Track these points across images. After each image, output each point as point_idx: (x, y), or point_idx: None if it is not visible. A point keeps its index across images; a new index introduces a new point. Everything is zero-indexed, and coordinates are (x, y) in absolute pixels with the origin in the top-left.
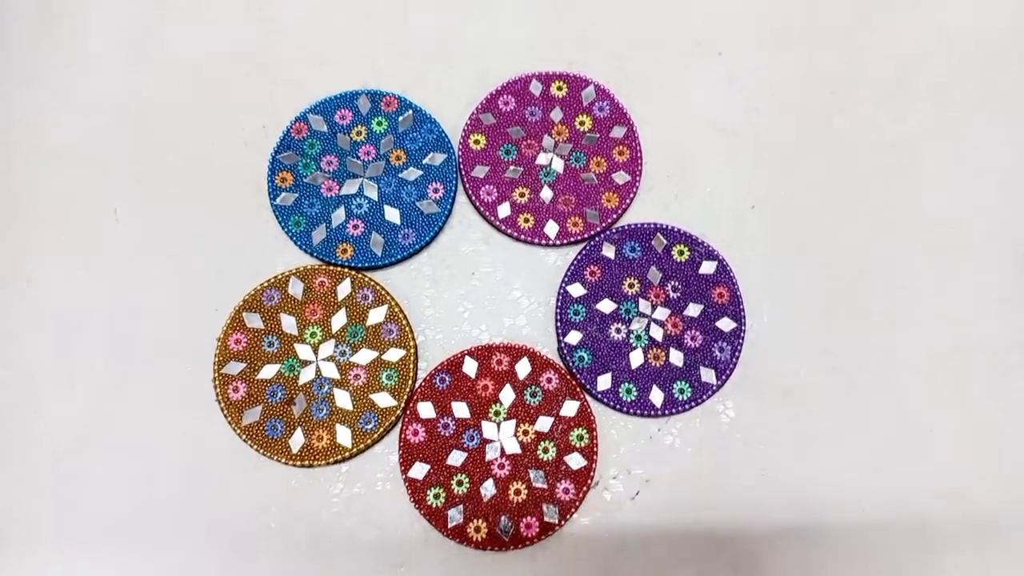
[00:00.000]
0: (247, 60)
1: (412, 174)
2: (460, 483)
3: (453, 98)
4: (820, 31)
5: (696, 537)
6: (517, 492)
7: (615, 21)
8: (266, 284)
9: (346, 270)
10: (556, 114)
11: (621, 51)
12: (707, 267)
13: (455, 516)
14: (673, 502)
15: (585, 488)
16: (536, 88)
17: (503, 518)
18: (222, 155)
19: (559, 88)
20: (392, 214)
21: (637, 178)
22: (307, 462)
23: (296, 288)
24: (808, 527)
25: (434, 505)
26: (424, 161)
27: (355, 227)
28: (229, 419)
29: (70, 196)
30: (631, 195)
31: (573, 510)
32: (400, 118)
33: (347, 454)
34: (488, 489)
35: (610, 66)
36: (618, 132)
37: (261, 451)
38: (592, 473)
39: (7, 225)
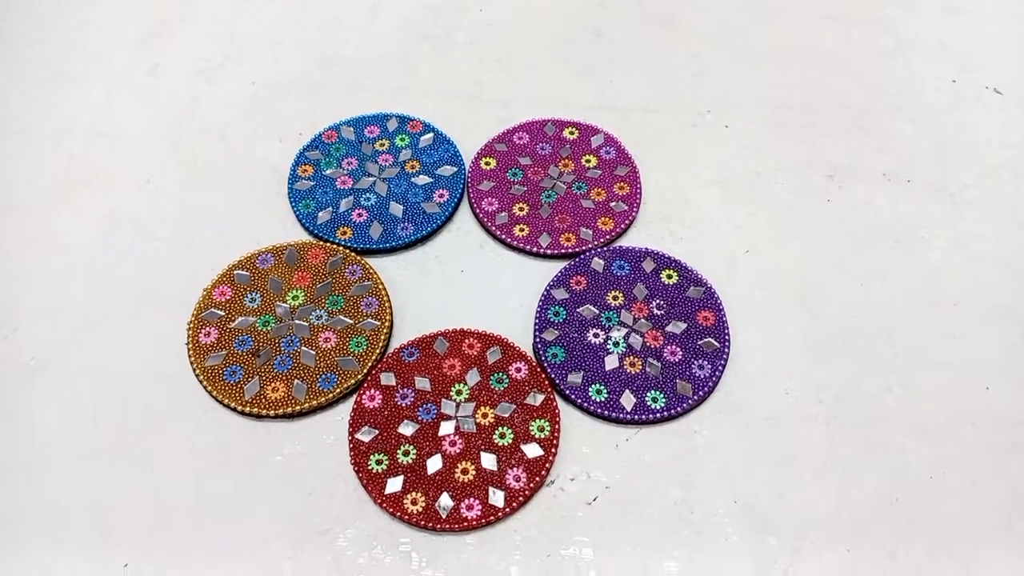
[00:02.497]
0: (301, 83)
1: (422, 180)
2: (406, 453)
3: (472, 135)
4: (822, 120)
5: (655, 554)
6: (464, 471)
7: (632, 87)
8: (263, 250)
9: (341, 248)
10: (565, 151)
11: (633, 112)
12: (694, 291)
13: (394, 484)
14: (634, 515)
15: (538, 479)
16: (550, 130)
17: (444, 495)
18: (256, 147)
19: (571, 132)
20: (396, 209)
21: (635, 209)
22: (256, 410)
23: (291, 257)
24: (782, 563)
25: (375, 471)
26: (436, 172)
27: (359, 215)
28: (192, 361)
29: (116, 165)
30: (627, 222)
31: (521, 499)
32: (422, 138)
33: (299, 407)
34: (434, 463)
35: (621, 123)
36: (621, 171)
37: (214, 393)
38: (548, 466)
39: (56, 185)
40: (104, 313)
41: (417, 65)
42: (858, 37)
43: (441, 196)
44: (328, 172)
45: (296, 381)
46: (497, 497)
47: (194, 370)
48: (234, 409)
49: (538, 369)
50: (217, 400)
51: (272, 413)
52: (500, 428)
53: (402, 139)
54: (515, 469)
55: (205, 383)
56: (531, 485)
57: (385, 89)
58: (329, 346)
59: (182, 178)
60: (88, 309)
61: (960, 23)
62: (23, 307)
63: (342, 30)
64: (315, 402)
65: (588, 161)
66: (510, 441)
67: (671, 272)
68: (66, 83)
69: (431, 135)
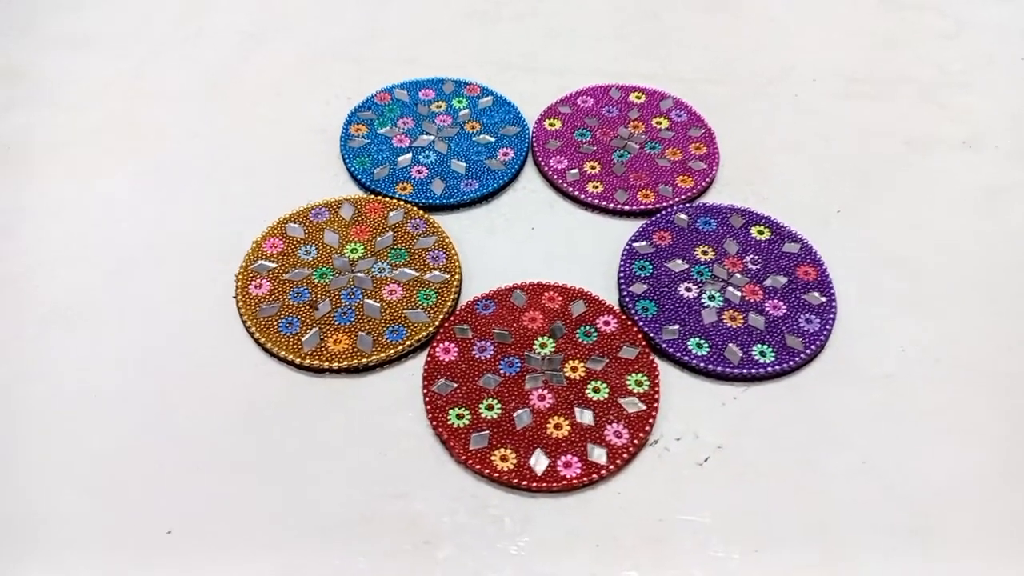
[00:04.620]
0: (347, 53)
1: (484, 139)
2: (490, 408)
3: (531, 102)
4: (890, 94)
5: (778, 517)
6: (558, 427)
7: (691, 61)
8: (317, 204)
9: (402, 203)
10: (633, 113)
11: (696, 83)
12: (791, 247)
13: (479, 440)
14: (751, 475)
15: (642, 435)
16: (615, 94)
17: (538, 451)
18: (302, 109)
19: (638, 97)
20: (458, 166)
21: (714, 168)
22: (317, 363)
23: (347, 211)
24: (916, 527)
25: (456, 425)
26: (498, 131)
27: (419, 172)
28: (242, 312)
29: (168, 122)
30: (707, 180)
31: (626, 456)
32: (480, 100)
33: (365, 360)
34: (523, 418)
35: (685, 93)
36: (695, 132)
37: (268, 345)
38: (651, 421)
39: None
40: (141, 264)
41: (465, 39)
42: (914, 20)
43: (506, 154)
44: (382, 131)
45: (361, 333)
46: (598, 453)
47: (244, 322)
48: (291, 362)
49: (628, 323)
50: (271, 353)
51: (335, 366)
52: (593, 382)
53: (459, 101)
54: (615, 424)
55: (258, 335)
56: (635, 442)
57: (434, 62)
58: (395, 298)
59: (224, 134)
60: (123, 260)
61: (1017, 6)
62: (58, 256)
63: (386, 4)
64: (383, 355)
65: (659, 123)
66: (606, 396)
67: (762, 228)
68: (105, 46)
69: (490, 98)
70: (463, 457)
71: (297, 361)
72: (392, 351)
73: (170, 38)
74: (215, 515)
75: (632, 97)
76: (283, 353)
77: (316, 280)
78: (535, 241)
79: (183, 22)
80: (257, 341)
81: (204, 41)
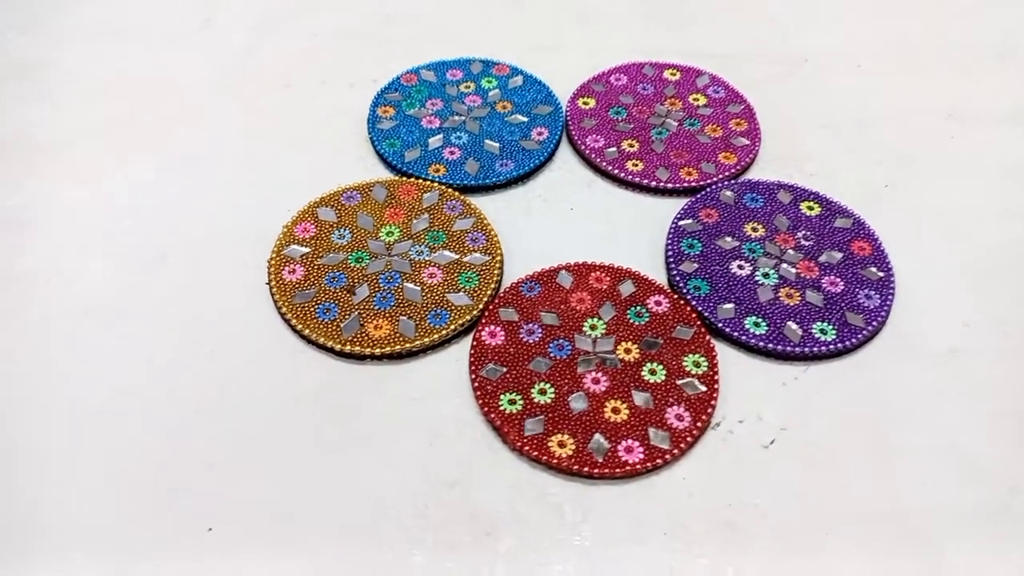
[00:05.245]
0: (367, 35)
1: (517, 119)
2: (543, 392)
3: (561, 81)
4: (925, 67)
5: (849, 500)
6: (615, 411)
7: (722, 39)
8: (348, 187)
9: (436, 184)
10: (669, 91)
11: (729, 60)
12: (843, 222)
13: (535, 425)
14: (819, 457)
15: (705, 418)
16: (649, 71)
17: (597, 436)
18: (324, 93)
19: (672, 74)
20: (492, 146)
21: (757, 144)
22: (358, 349)
23: (379, 193)
24: (993, 508)
25: (508, 411)
26: (531, 111)
27: (451, 153)
28: (277, 300)
29: (189, 111)
30: (751, 156)
31: (690, 439)
32: (510, 80)
33: (408, 345)
34: (578, 402)
35: (719, 70)
36: (734, 108)
37: (306, 332)
38: (713, 403)
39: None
40: (164, 254)
41: (491, 19)
42: None
43: (540, 134)
44: (411, 112)
45: (402, 318)
46: (661, 438)
47: (279, 309)
48: (330, 350)
49: (681, 302)
50: (308, 340)
51: (377, 352)
52: (649, 364)
53: (488, 81)
54: (675, 407)
55: (294, 322)
56: (697, 425)
57: (458, 42)
58: (435, 281)
59: (243, 123)
60: (146, 250)
61: None
62: (86, 251)
63: None
64: (427, 339)
65: (696, 100)
66: (663, 378)
67: (811, 204)
68: (118, 38)
69: (520, 77)
70: (518, 444)
71: (337, 348)
72: (436, 335)
73: (183, 25)
74: (258, 511)
75: (666, 74)
76: (322, 340)
77: (352, 264)
78: (575, 221)
79: (195, 9)
80: (294, 328)
81: (218, 26)
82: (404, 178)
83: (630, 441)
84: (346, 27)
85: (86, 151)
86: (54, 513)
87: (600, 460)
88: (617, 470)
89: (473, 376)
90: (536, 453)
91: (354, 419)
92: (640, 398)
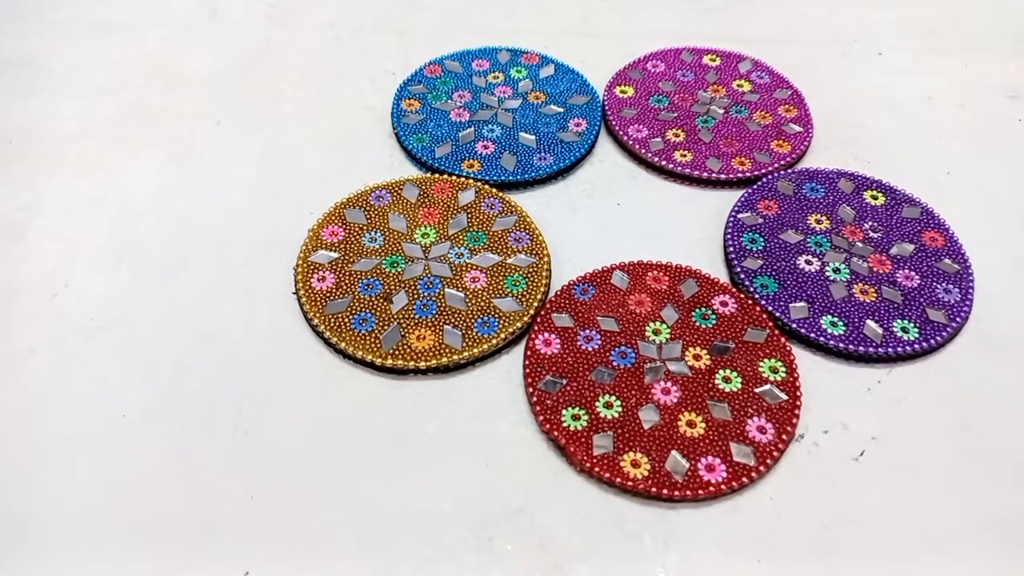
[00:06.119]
0: (385, 26)
1: (552, 110)
2: (608, 405)
3: (594, 69)
4: (981, 45)
5: (953, 513)
6: (691, 424)
7: (759, 20)
8: (376, 186)
9: (472, 181)
10: (711, 76)
11: (770, 44)
12: (910, 211)
13: (604, 443)
14: (915, 467)
15: (790, 429)
16: (688, 57)
17: (674, 454)
18: (344, 87)
19: (712, 59)
20: (527, 139)
21: (810, 130)
22: (400, 363)
23: (411, 192)
24: None
25: (573, 428)
26: (567, 101)
27: (484, 147)
28: (307, 310)
29: (201, 108)
30: (805, 144)
31: (776, 454)
32: (541, 69)
33: (456, 357)
34: (649, 416)
35: (761, 54)
36: (781, 94)
37: (342, 346)
38: (797, 413)
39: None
40: (182, 261)
41: (514, 4)
42: None
43: (578, 125)
44: (438, 105)
45: (447, 327)
46: (744, 452)
47: (310, 320)
48: (370, 364)
49: (749, 302)
50: (345, 355)
51: (422, 366)
52: (722, 371)
53: (518, 71)
54: (756, 418)
55: (328, 334)
56: (783, 437)
57: (482, 30)
58: (479, 286)
59: (259, 119)
60: (161, 258)
61: None
62: (81, 257)
63: None
64: (476, 350)
65: (740, 86)
66: (739, 386)
67: (875, 192)
68: (117, 31)
69: (552, 66)
70: (587, 464)
71: (377, 362)
72: (486, 346)
73: (193, 15)
74: (300, 546)
75: (706, 60)
76: (360, 354)
77: (387, 270)
78: (623, 217)
79: (194, 8)
80: (327, 341)
81: (227, 17)
82: (436, 175)
83: (710, 458)
84: (361, 16)
85: (90, 151)
86: (73, 536)
87: (680, 480)
88: (700, 491)
89: (530, 390)
90: (608, 474)
91: (400, 441)
92: (717, 409)
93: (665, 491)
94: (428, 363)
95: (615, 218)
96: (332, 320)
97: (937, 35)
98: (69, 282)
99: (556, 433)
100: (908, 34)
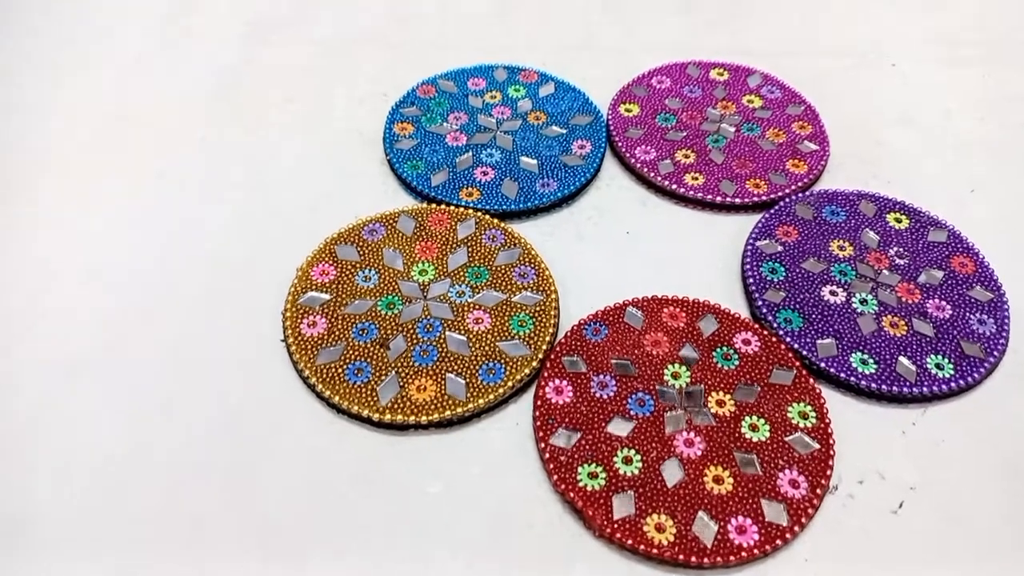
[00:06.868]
0: (373, 42)
1: (554, 131)
2: (628, 461)
3: (597, 85)
4: (1002, 55)
5: (1012, 565)
6: (718, 480)
7: (767, 32)
8: (368, 219)
9: (470, 211)
10: (719, 92)
11: (780, 57)
12: (936, 235)
13: (624, 505)
14: (960, 518)
15: (824, 482)
16: (694, 71)
17: (701, 515)
18: (333, 109)
19: (720, 73)
20: (529, 163)
21: (826, 148)
22: (399, 418)
23: (406, 224)
24: None
25: (589, 487)
26: (569, 122)
27: (484, 173)
28: (297, 360)
29: (176, 132)
30: (822, 163)
31: (811, 512)
32: (541, 88)
33: (461, 410)
34: (673, 472)
35: (771, 68)
36: (794, 110)
37: (336, 400)
38: (831, 463)
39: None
40: (161, 304)
41: (510, 18)
42: None
43: (582, 147)
44: (432, 128)
45: (449, 375)
46: (777, 511)
47: (300, 371)
48: (367, 420)
49: (774, 339)
50: (339, 409)
51: (424, 420)
52: (749, 418)
53: (516, 90)
54: (788, 471)
55: (321, 387)
56: (817, 492)
57: (477, 45)
58: (482, 328)
59: (242, 145)
60: (137, 298)
61: None
62: (46, 299)
63: None
64: (481, 401)
65: (751, 101)
66: (767, 435)
67: (899, 215)
68: (83, 52)
69: (552, 84)
70: (607, 529)
71: (375, 417)
72: (492, 396)
73: (167, 34)
74: None
75: (713, 74)
76: (356, 408)
77: (383, 312)
78: (633, 246)
79: (172, 14)
80: (320, 395)
81: (202, 35)
82: (433, 205)
83: (741, 518)
84: (348, 31)
85: (63, 180)
86: None
87: (708, 545)
88: (731, 557)
89: (542, 445)
90: (631, 540)
91: (402, 504)
92: (744, 461)
93: (694, 558)
94: (430, 417)
95: (625, 247)
96: (324, 371)
97: (953, 45)
98: (42, 318)
99: (572, 494)
100: (922, 44)
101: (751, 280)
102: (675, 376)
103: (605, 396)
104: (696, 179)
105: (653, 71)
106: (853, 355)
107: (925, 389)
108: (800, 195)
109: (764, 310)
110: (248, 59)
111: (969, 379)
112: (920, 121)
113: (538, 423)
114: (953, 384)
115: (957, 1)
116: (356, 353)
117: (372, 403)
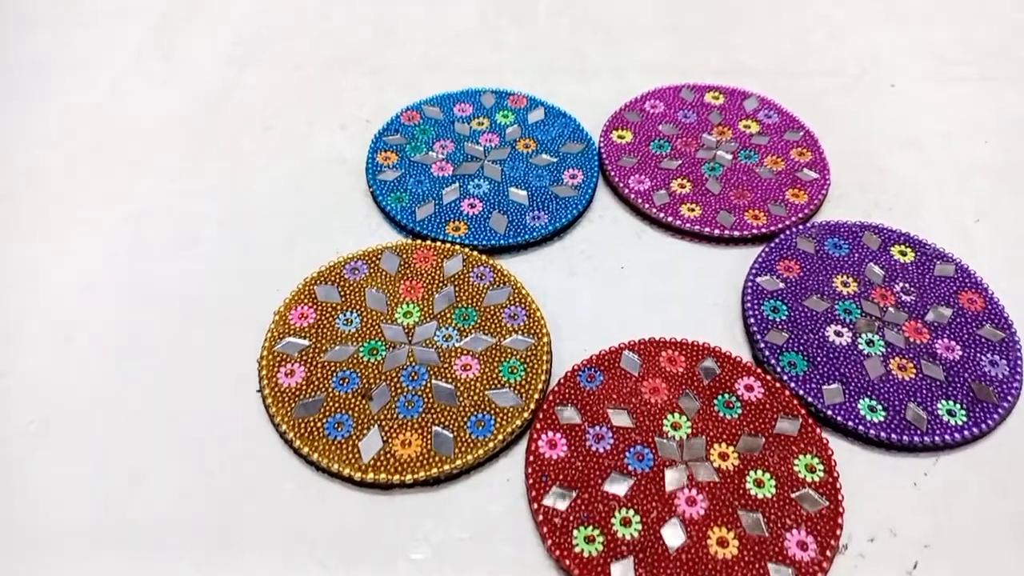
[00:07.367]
0: (357, 64)
1: (544, 160)
2: (626, 523)
3: (588, 110)
4: (996, 74)
5: None
6: (722, 542)
7: (762, 50)
8: (350, 256)
9: (457, 247)
10: (715, 117)
11: (775, 76)
12: (943, 269)
13: (624, 573)
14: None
15: (834, 543)
16: (688, 95)
17: None
18: (314, 136)
19: (715, 97)
20: (518, 195)
21: (827, 176)
22: (383, 476)
23: (390, 263)
24: None
25: (586, 554)
26: (559, 150)
27: (471, 206)
28: (274, 413)
29: (148, 163)
30: (823, 193)
31: (820, 575)
32: (530, 113)
33: (448, 467)
34: (675, 534)
35: (766, 88)
36: (792, 136)
37: (315, 458)
38: (840, 521)
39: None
40: (131, 349)
41: (497, 41)
42: None
43: (574, 177)
44: (417, 158)
45: (435, 429)
46: None
47: (277, 426)
48: (348, 479)
49: (777, 385)
50: (319, 467)
51: (409, 479)
52: (753, 472)
53: (504, 115)
54: (795, 531)
55: (298, 443)
56: (826, 553)
57: (463, 68)
58: (471, 375)
59: (218, 176)
60: (106, 344)
61: None
62: (15, 345)
63: (400, 5)
64: (470, 457)
65: (748, 127)
66: (773, 491)
67: (904, 248)
68: (61, 74)
69: (541, 109)
70: None
71: (357, 477)
72: (481, 451)
73: (145, 57)
74: None
75: (708, 98)
76: (336, 467)
77: (365, 359)
78: (628, 281)
79: (151, 39)
80: (298, 451)
81: (182, 60)
82: (418, 241)
83: None
84: (330, 54)
85: (24, 213)
86: None
87: None
88: None
89: (535, 506)
90: None
91: (386, 570)
92: (750, 521)
93: None
94: (415, 475)
95: (619, 283)
96: (302, 425)
97: (952, 63)
98: (9, 374)
99: (568, 561)
100: (920, 63)
101: (752, 321)
102: (675, 427)
103: (601, 450)
104: (693, 210)
105: (646, 95)
106: (861, 401)
107: (937, 438)
108: (801, 227)
109: (767, 353)
110: (231, 85)
111: (983, 426)
112: (921, 144)
113: (531, 481)
114: (966, 432)
115: (958, 18)
116: (336, 405)
117: (354, 461)
